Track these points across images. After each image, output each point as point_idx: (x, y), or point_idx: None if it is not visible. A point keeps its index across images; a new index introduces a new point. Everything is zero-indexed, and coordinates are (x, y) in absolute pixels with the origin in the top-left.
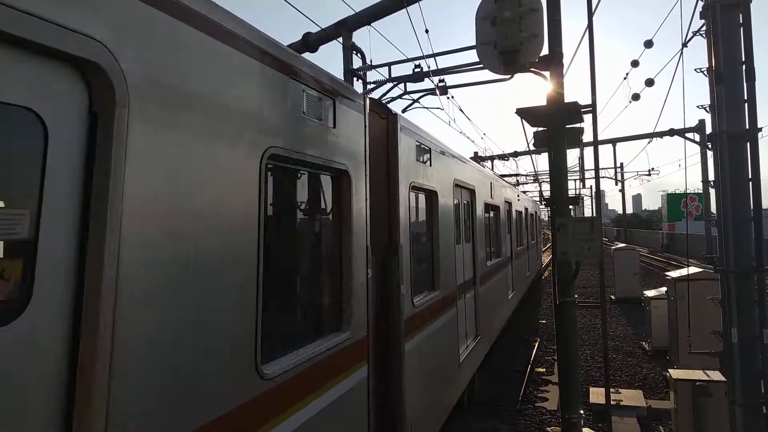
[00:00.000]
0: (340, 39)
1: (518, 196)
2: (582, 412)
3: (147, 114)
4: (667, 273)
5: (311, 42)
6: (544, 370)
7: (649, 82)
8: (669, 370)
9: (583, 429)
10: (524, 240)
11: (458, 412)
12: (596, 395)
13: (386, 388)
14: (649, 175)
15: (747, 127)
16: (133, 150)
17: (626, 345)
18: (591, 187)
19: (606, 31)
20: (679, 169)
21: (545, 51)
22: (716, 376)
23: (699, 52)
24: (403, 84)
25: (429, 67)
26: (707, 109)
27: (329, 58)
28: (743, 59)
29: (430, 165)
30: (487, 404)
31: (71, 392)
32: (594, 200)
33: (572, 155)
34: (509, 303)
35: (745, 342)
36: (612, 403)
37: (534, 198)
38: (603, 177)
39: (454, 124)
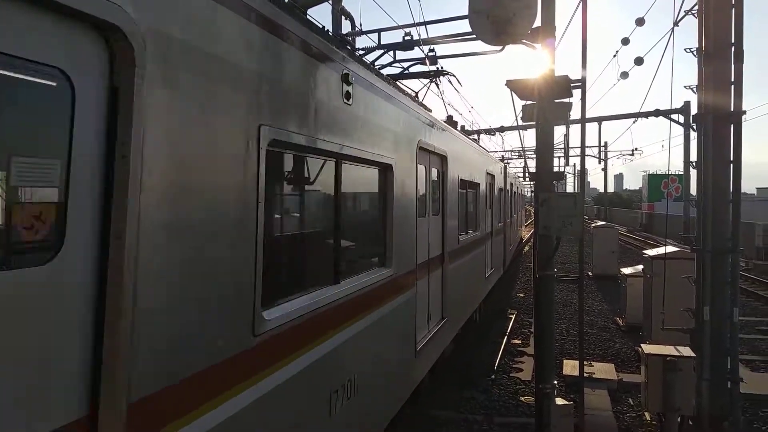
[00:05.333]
0: (330, 2)
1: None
2: (555, 383)
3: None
4: (645, 251)
5: (300, 4)
6: (520, 341)
7: (639, 61)
8: (641, 345)
9: (556, 399)
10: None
11: (434, 382)
12: (570, 367)
13: None
14: (632, 154)
15: (732, 109)
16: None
17: (601, 320)
18: (574, 165)
19: (598, 7)
20: (662, 150)
21: (538, 22)
22: (686, 351)
23: (690, 31)
24: (392, 52)
25: (419, 35)
26: (694, 90)
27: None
28: (733, 40)
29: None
30: (462, 373)
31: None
32: (578, 177)
33: (558, 132)
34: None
35: (715, 320)
36: (585, 375)
37: (518, 174)
38: (587, 155)
39: (442, 95)
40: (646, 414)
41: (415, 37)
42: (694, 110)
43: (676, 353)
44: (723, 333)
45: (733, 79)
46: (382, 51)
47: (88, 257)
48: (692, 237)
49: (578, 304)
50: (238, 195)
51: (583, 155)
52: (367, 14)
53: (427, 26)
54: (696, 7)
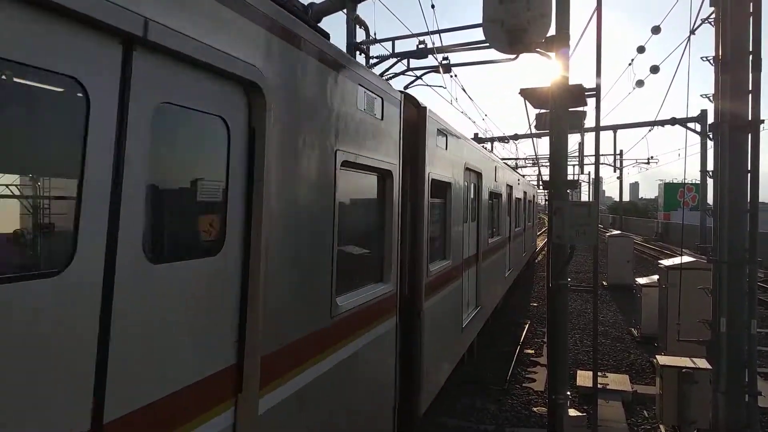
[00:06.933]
0: (345, 11)
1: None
2: (569, 393)
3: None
4: (660, 261)
5: (315, 13)
6: (533, 351)
7: (654, 69)
8: (656, 356)
9: (569, 410)
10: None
11: (445, 390)
12: (583, 378)
13: None
14: (648, 163)
15: (750, 118)
16: None
17: (615, 330)
18: (589, 173)
19: (613, 14)
20: (678, 159)
21: (552, 31)
22: (702, 363)
23: (706, 40)
24: (406, 60)
25: (433, 43)
26: (711, 98)
27: (333, 31)
28: (751, 49)
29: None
30: (474, 383)
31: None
32: (592, 186)
33: (572, 141)
34: None
35: (733, 332)
36: (599, 386)
37: (532, 182)
38: (602, 164)
39: (456, 103)
40: (661, 427)
41: (429, 46)
42: (710, 119)
43: (692, 365)
44: (740, 345)
45: (750, 88)
46: (395, 59)
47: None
48: (709, 247)
49: (592, 314)
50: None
51: (597, 163)
52: (381, 23)
53: (441, 35)
54: (713, 16)
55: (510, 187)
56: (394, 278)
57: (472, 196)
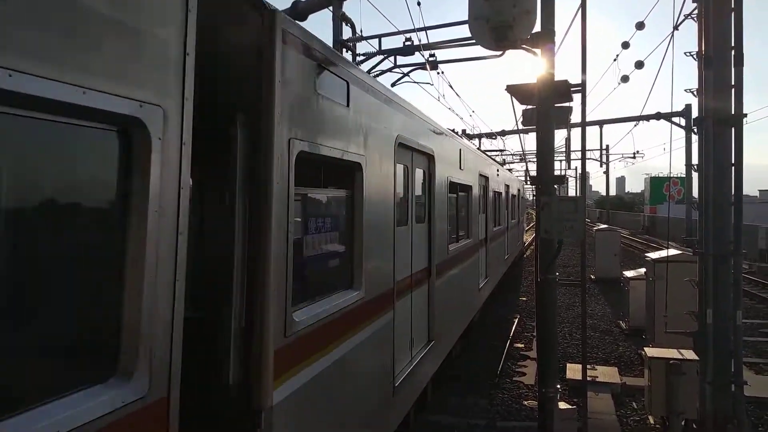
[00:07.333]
0: (331, 8)
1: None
2: (558, 386)
3: None
4: (647, 254)
5: (300, 10)
6: (522, 345)
7: (639, 65)
8: (644, 348)
9: (559, 403)
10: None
11: (435, 385)
12: (573, 371)
13: None
14: (634, 158)
15: (733, 112)
16: None
17: (604, 323)
18: (576, 168)
19: (598, 11)
20: (663, 153)
21: (537, 28)
22: (690, 355)
23: (690, 35)
24: (393, 57)
25: (420, 40)
26: (695, 93)
27: (319, 28)
28: (733, 44)
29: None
30: (465, 378)
31: None
32: (579, 181)
33: (559, 136)
34: None
35: (719, 323)
36: (588, 379)
37: (520, 177)
38: (588, 158)
39: (443, 99)
40: (650, 417)
41: (416, 43)
42: (695, 113)
43: (680, 356)
44: (726, 336)
45: (733, 83)
46: (382, 57)
47: None
48: (695, 240)
49: (581, 307)
50: None
51: (583, 158)
52: (367, 20)
53: (428, 31)
54: (696, 11)
55: (485, 179)
56: (156, 370)
57: (417, 188)
